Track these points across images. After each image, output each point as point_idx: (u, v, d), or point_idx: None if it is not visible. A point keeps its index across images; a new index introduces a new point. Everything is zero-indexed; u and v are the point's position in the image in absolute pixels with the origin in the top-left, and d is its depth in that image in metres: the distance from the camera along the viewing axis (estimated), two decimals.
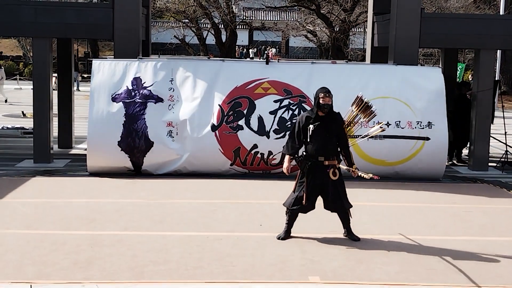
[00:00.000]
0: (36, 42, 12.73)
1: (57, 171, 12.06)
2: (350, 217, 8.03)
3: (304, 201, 7.82)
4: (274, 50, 51.86)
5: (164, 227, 8.43)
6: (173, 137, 11.67)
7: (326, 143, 7.85)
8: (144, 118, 11.60)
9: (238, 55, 45.13)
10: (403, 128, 11.81)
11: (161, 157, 11.68)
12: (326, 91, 7.86)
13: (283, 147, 8.23)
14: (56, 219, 8.68)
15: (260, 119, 11.77)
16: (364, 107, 8.00)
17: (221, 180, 11.38)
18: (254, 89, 11.92)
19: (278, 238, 7.95)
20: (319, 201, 8.01)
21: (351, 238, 8.00)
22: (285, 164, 8.11)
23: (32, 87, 12.87)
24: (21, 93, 30.82)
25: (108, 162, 11.60)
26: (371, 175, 7.77)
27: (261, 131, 11.74)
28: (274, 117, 11.79)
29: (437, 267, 7.11)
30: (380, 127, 8.36)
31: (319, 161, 7.84)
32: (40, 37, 12.65)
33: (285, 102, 11.87)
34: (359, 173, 7.87)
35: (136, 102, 11.64)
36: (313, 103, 8.17)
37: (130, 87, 11.72)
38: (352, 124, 8.11)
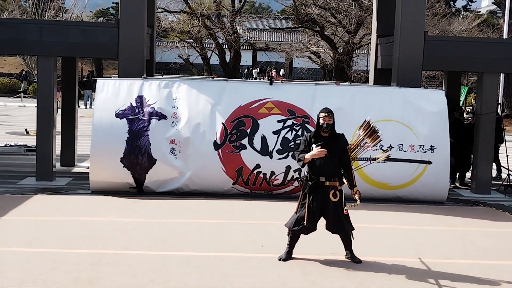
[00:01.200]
0: (41, 60, 12.79)
1: (59, 189, 12.06)
2: (352, 239, 8.00)
3: (305, 222, 7.80)
4: (280, 71, 52.15)
5: (164, 247, 8.40)
6: (176, 155, 11.67)
7: (327, 164, 7.84)
8: (148, 135, 11.61)
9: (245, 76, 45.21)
10: (405, 151, 11.77)
11: (164, 175, 11.68)
12: (327, 111, 7.88)
13: (298, 161, 7.99)
14: (57, 237, 8.66)
15: (263, 139, 11.77)
16: (371, 132, 7.98)
17: (223, 200, 11.36)
18: (258, 108, 11.93)
19: (280, 259, 7.92)
20: (321, 222, 7.98)
21: (353, 260, 7.96)
22: (312, 153, 7.83)
23: (36, 105, 12.90)
24: (25, 110, 30.89)
25: (110, 178, 11.60)
26: (356, 204, 7.77)
27: (264, 151, 11.74)
28: (278, 137, 11.79)
29: None
30: (386, 153, 8.36)
31: (320, 182, 7.83)
32: (45, 56, 12.72)
33: (289, 122, 11.88)
34: (357, 197, 7.84)
35: (139, 119, 11.66)
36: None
37: (134, 104, 11.75)
38: (358, 148, 8.09)
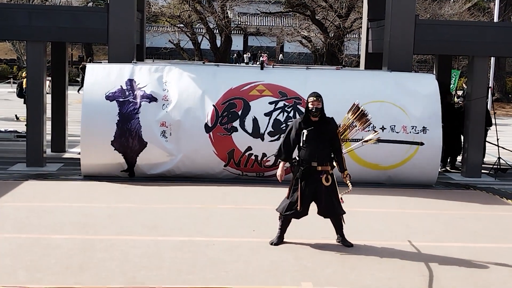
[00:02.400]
0: (30, 45, 12.70)
1: (50, 175, 12.03)
2: (343, 223, 8.03)
3: (298, 207, 7.81)
4: (279, 56, 52.13)
5: (157, 232, 8.41)
6: (167, 138, 11.65)
7: (319, 149, 7.85)
8: (138, 118, 11.57)
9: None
10: (397, 132, 11.81)
11: (155, 157, 11.67)
12: (315, 95, 7.88)
13: (277, 150, 8.22)
14: (48, 223, 8.65)
15: (255, 121, 11.76)
16: (360, 115, 8.01)
17: (215, 186, 11.36)
18: (249, 90, 11.92)
19: (271, 244, 7.94)
20: (312, 206, 8.01)
21: (344, 244, 7.99)
22: (278, 172, 8.09)
23: (25, 91, 12.83)
24: (15, 96, 30.67)
25: (101, 161, 11.58)
26: (348, 190, 7.87)
27: (256, 133, 11.73)
28: (269, 119, 11.78)
29: (429, 273, 7.10)
30: (376, 135, 8.38)
31: (312, 167, 7.84)
32: (34, 41, 12.63)
33: (280, 104, 11.87)
34: (348, 182, 7.88)
35: (130, 101, 11.62)
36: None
37: (125, 87, 11.71)
38: (347, 130, 8.11)
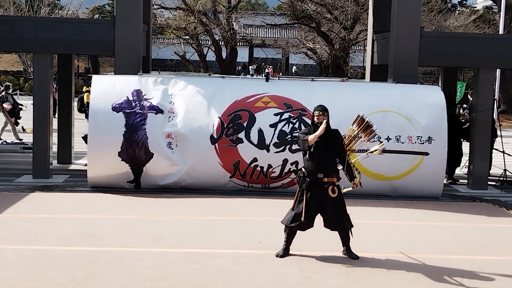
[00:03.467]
0: (37, 57, 12.76)
1: (56, 187, 12.05)
2: (351, 236, 8.01)
3: (303, 218, 7.80)
4: (293, 68, 52.18)
5: (162, 244, 8.40)
6: (173, 149, 11.67)
7: (325, 160, 7.85)
8: (145, 129, 11.61)
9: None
10: (403, 143, 11.80)
11: (161, 169, 11.68)
12: (321, 109, 7.89)
13: (300, 144, 7.92)
14: (54, 234, 8.65)
15: (260, 132, 11.77)
16: (365, 127, 8.00)
17: (220, 198, 11.36)
18: (255, 102, 11.94)
19: (277, 256, 7.93)
20: (318, 219, 7.99)
21: (350, 257, 7.97)
22: (316, 133, 7.79)
23: (32, 102, 12.88)
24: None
25: (108, 172, 11.60)
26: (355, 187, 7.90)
27: (261, 144, 11.74)
28: (274, 130, 11.79)
29: (436, 286, 7.08)
30: (381, 146, 8.38)
31: (318, 178, 7.84)
32: (41, 53, 12.69)
33: (286, 115, 11.88)
34: (357, 181, 7.91)
35: (136, 112, 11.66)
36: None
37: (131, 98, 11.75)
38: (352, 141, 8.10)
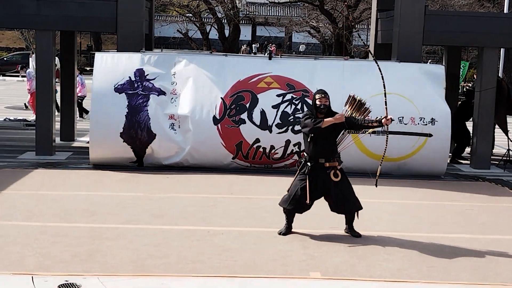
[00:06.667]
0: (39, 34, 12.71)
1: (59, 164, 12.06)
2: (356, 217, 8.02)
3: (307, 200, 7.79)
4: (301, 46, 51.81)
5: (164, 221, 8.43)
6: (175, 130, 11.66)
7: (326, 145, 7.85)
8: (147, 110, 11.60)
9: (245, 52, 44.27)
10: (406, 124, 11.77)
11: (163, 149, 11.68)
12: (322, 92, 7.88)
13: (309, 126, 7.77)
14: (57, 211, 8.68)
15: (263, 113, 11.74)
16: (357, 106, 7.98)
17: (222, 175, 11.37)
18: (257, 83, 11.89)
19: (280, 234, 7.95)
20: (319, 200, 8.00)
21: (352, 235, 7.99)
22: (335, 118, 7.76)
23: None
24: (24, 85, 30.77)
25: (110, 153, 11.61)
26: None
27: (264, 125, 11.72)
28: (277, 111, 11.76)
29: (438, 264, 7.10)
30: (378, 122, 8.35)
31: (319, 163, 7.83)
32: (43, 30, 12.63)
33: (288, 96, 11.84)
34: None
35: (139, 94, 11.63)
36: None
37: (133, 78, 11.70)
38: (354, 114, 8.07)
